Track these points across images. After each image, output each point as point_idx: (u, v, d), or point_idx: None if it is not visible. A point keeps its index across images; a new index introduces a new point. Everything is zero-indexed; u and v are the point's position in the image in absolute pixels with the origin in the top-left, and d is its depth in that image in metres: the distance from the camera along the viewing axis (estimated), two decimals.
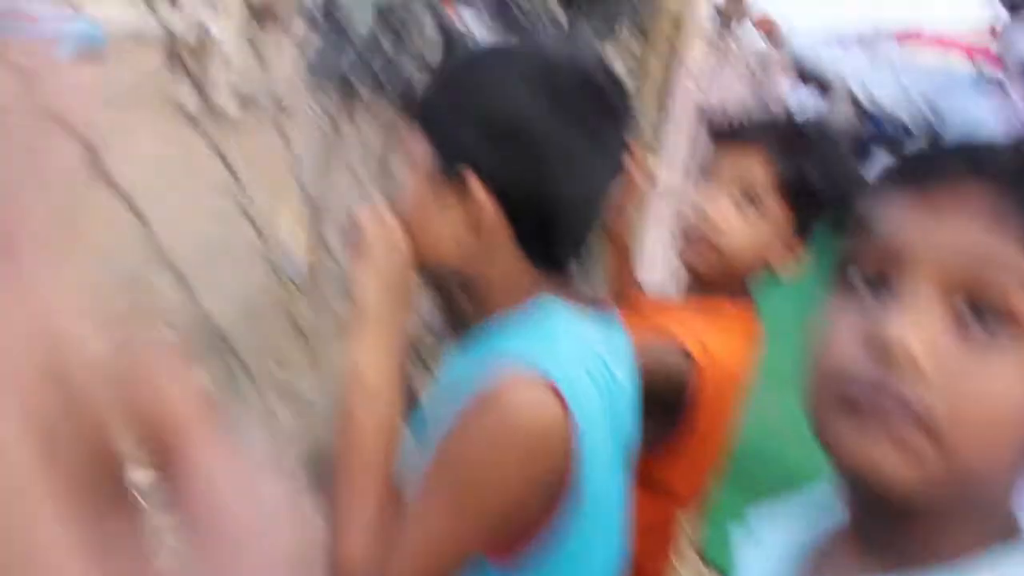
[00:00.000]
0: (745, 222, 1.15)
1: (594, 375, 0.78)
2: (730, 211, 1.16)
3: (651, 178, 1.44)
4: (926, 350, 0.47)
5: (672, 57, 2.01)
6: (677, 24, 2.00)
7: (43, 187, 0.20)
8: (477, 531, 0.75)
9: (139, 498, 0.21)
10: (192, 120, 5.09)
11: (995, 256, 0.47)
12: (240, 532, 0.21)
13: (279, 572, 0.21)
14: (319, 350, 2.37)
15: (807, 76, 5.46)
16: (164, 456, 0.21)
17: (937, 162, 0.52)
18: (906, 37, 9.43)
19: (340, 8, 2.57)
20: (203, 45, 6.03)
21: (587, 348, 0.80)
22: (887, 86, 5.81)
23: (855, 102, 5.68)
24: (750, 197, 1.15)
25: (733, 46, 2.32)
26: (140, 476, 0.22)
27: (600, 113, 0.79)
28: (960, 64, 7.77)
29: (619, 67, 2.03)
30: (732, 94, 2.23)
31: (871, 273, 0.52)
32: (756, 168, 1.14)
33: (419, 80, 0.85)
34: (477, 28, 1.90)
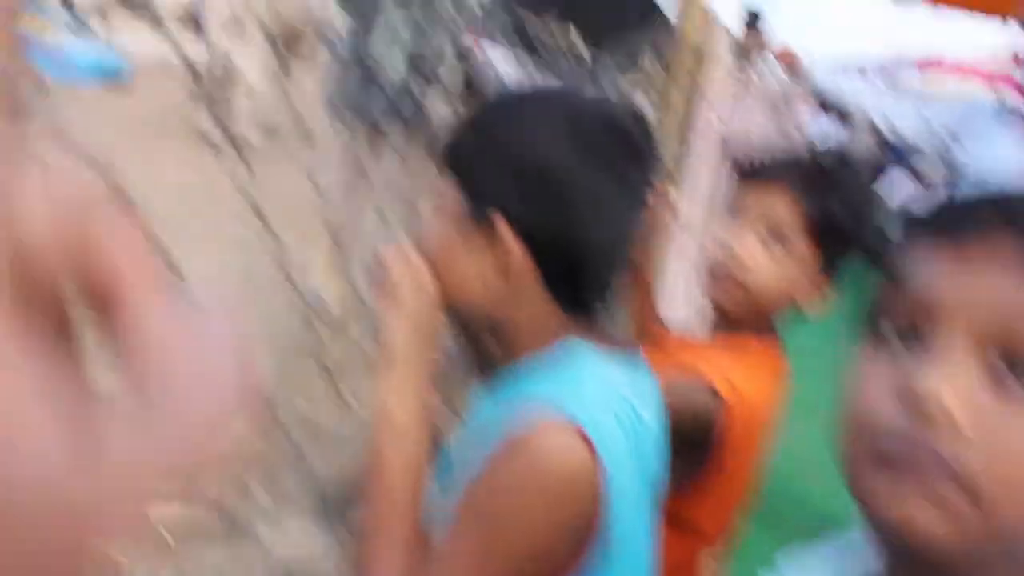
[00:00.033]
0: (771, 259, 1.15)
1: (621, 418, 0.78)
2: (756, 249, 1.16)
3: (673, 211, 1.44)
4: (962, 406, 0.47)
5: (694, 90, 2.02)
6: (699, 57, 2.01)
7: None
8: (505, 574, 0.74)
9: (85, 342, 0.22)
10: (215, 150, 5.16)
11: None
12: (179, 369, 0.21)
13: (217, 407, 0.21)
14: (343, 382, 2.37)
15: (828, 106, 5.46)
16: (106, 302, 0.22)
17: (969, 213, 0.52)
18: (927, 65, 9.43)
19: (371, 55, 2.60)
20: (227, 75, 6.10)
21: (614, 391, 0.80)
22: (908, 117, 5.80)
23: (876, 132, 5.67)
24: (776, 235, 1.15)
25: (754, 78, 2.32)
26: (86, 322, 0.22)
27: (626, 156, 0.79)
28: (982, 93, 7.75)
29: (641, 100, 2.04)
30: (754, 126, 2.24)
31: (903, 325, 0.51)
32: (782, 206, 1.14)
33: (447, 121, 0.86)
34: (503, 65, 1.92)
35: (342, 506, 2.05)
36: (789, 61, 2.59)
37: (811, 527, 0.66)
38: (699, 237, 1.92)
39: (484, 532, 0.74)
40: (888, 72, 8.87)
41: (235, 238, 3.25)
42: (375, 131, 2.79)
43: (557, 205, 0.77)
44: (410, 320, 0.82)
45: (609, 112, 0.80)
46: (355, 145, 2.93)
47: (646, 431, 0.83)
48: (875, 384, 0.51)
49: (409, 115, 2.50)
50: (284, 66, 6.07)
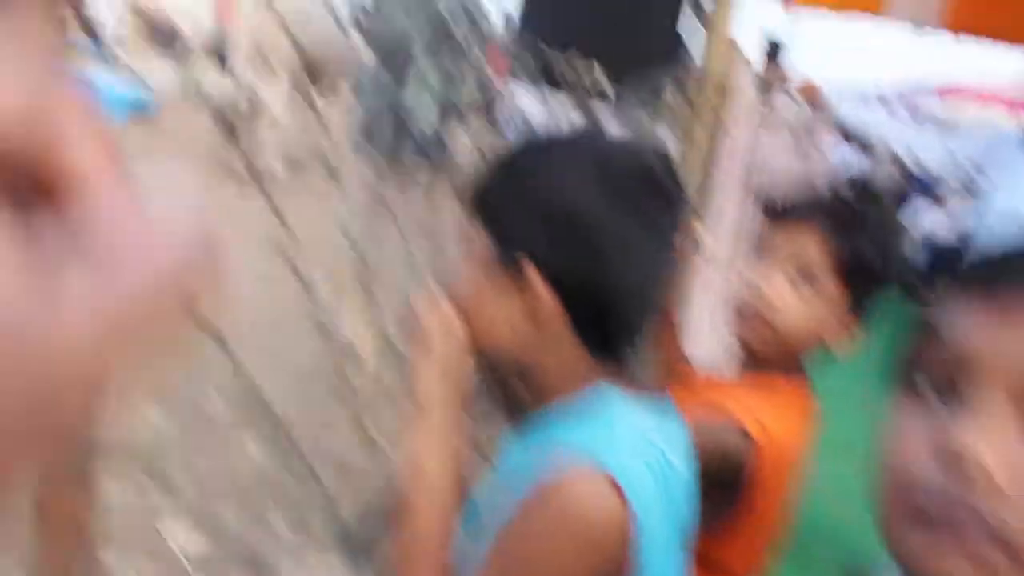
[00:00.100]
0: (800, 299, 1.16)
1: (651, 465, 0.78)
2: (785, 289, 1.16)
3: (698, 246, 1.44)
4: (1000, 463, 0.46)
5: (717, 124, 2.03)
6: (721, 92, 2.02)
7: None
8: None
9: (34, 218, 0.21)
10: (240, 183, 5.21)
11: None
12: (131, 230, 0.21)
13: (161, 282, 0.21)
14: (368, 417, 2.38)
15: (850, 137, 5.45)
16: (56, 181, 0.21)
17: (1007, 266, 0.52)
18: (948, 92, 9.40)
19: (403, 104, 2.65)
20: (252, 108, 6.18)
21: (644, 438, 0.80)
22: (931, 146, 5.78)
23: (898, 162, 5.65)
24: (805, 274, 1.15)
25: (776, 112, 2.33)
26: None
27: (655, 200, 0.80)
28: (1004, 120, 7.70)
29: (664, 134, 2.05)
30: (776, 159, 2.24)
31: (940, 379, 0.51)
32: (811, 246, 1.15)
33: (473, 158, 0.87)
34: (528, 101, 1.94)
35: (366, 543, 2.05)
36: (811, 95, 2.60)
37: (841, 567, 0.66)
38: (724, 271, 1.91)
39: None
40: (909, 100, 8.85)
41: (261, 272, 3.28)
42: (401, 167, 2.82)
43: (586, 250, 0.77)
44: (440, 366, 0.82)
45: (637, 155, 0.81)
46: (380, 180, 2.96)
47: (676, 477, 0.83)
48: (912, 439, 0.51)
49: (436, 154, 2.53)
50: (308, 100, 6.15)
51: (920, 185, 5.69)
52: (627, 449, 0.77)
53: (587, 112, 1.82)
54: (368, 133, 2.91)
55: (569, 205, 0.77)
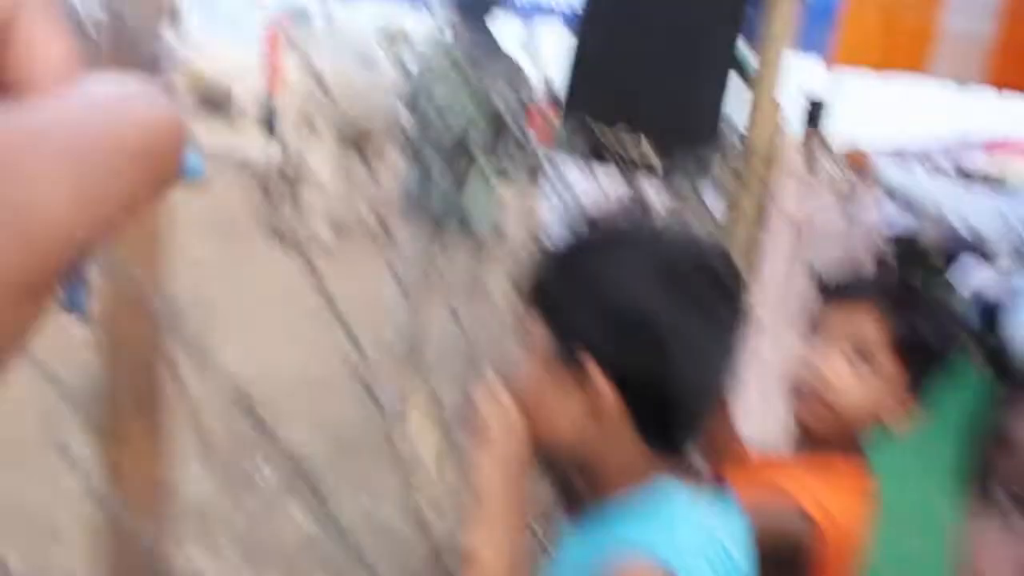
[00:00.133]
0: (858, 378, 1.14)
1: (713, 561, 0.77)
2: (843, 368, 1.15)
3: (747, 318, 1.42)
4: None
5: (763, 193, 2.03)
6: (768, 162, 2.02)
7: None
8: None
9: None
10: (288, 247, 5.30)
11: None
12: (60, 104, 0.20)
13: (84, 147, 0.20)
14: (411, 481, 2.37)
15: (896, 196, 5.41)
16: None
17: None
18: (994, 147, 9.31)
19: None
20: (299, 174, 6.30)
21: (706, 533, 0.79)
22: (979, 205, 5.72)
23: (945, 221, 5.59)
24: (862, 353, 1.14)
25: (822, 177, 2.32)
26: None
27: (716, 295, 0.79)
28: None
29: (712, 204, 2.05)
30: (825, 226, 2.23)
31: (1019, 494, 0.50)
32: (868, 325, 1.14)
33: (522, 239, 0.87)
34: (575, 175, 1.96)
35: None
36: (858, 160, 2.59)
37: None
38: (773, 342, 1.90)
39: None
40: (955, 156, 8.78)
41: (307, 336, 3.32)
42: (449, 234, 2.85)
43: (649, 347, 0.77)
44: (500, 459, 0.82)
45: (695, 248, 0.81)
46: (428, 246, 2.99)
47: (736, 571, 0.82)
48: (990, 554, 0.50)
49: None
50: (354, 165, 6.26)
51: (968, 243, 5.61)
52: (689, 546, 0.76)
53: (634, 185, 1.84)
54: (415, 200, 2.95)
55: (630, 302, 0.77)
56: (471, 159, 2.70)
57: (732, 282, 0.81)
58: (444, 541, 2.08)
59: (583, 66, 1.96)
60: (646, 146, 1.77)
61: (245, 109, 8.10)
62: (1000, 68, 3.48)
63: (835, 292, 1.20)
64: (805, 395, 1.18)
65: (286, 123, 6.30)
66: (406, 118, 3.01)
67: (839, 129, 3.69)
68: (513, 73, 2.98)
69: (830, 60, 4.02)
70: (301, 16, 7.39)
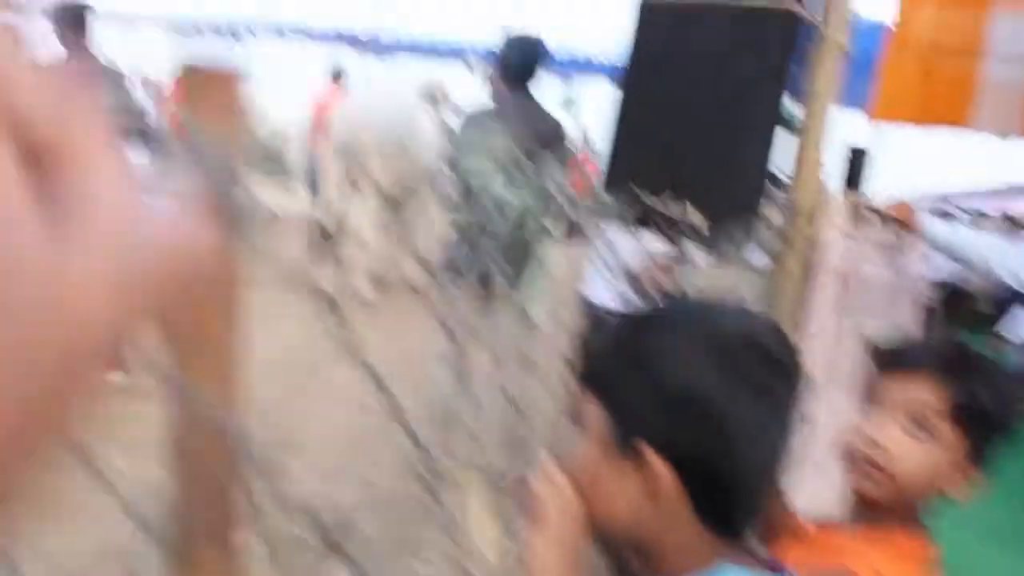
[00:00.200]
0: (917, 448, 1.13)
1: None
2: (901, 437, 1.14)
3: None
4: None
5: (810, 253, 2.02)
6: (811, 220, 2.02)
7: None
8: None
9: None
10: (330, 304, 5.35)
11: None
12: (107, 220, 0.21)
13: (159, 254, 0.21)
14: (455, 539, 2.36)
15: (942, 248, 5.34)
16: (47, 158, 0.21)
17: None
18: None
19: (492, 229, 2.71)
20: (341, 230, 6.38)
21: None
22: None
23: (993, 272, 5.50)
24: (920, 422, 1.13)
25: (869, 232, 2.31)
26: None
27: (772, 373, 0.79)
28: None
29: (758, 263, 2.05)
30: (872, 282, 2.20)
31: None
32: (925, 394, 1.13)
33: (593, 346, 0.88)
34: (621, 241, 1.97)
35: None
36: (904, 215, 2.57)
37: None
38: (823, 403, 1.87)
39: None
40: (1000, 203, 8.65)
41: (349, 394, 3.33)
42: (492, 290, 2.87)
43: (706, 432, 0.76)
44: (555, 540, 0.81)
45: (750, 327, 0.81)
46: (470, 302, 3.00)
47: None
48: None
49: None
50: (397, 222, 6.33)
51: (1018, 293, 5.50)
52: None
53: (679, 247, 1.84)
54: (456, 255, 2.98)
55: (687, 386, 0.77)
56: (527, 249, 2.73)
57: (787, 357, 0.81)
58: None
59: (625, 133, 1.97)
60: (692, 212, 1.77)
61: (289, 163, 8.23)
62: None
63: (890, 361, 1.19)
64: (863, 465, 1.16)
65: (329, 178, 6.40)
66: (448, 180, 3.05)
67: (883, 182, 3.67)
68: (552, 134, 3.01)
69: (872, 113, 4.02)
70: (345, 75, 7.57)
